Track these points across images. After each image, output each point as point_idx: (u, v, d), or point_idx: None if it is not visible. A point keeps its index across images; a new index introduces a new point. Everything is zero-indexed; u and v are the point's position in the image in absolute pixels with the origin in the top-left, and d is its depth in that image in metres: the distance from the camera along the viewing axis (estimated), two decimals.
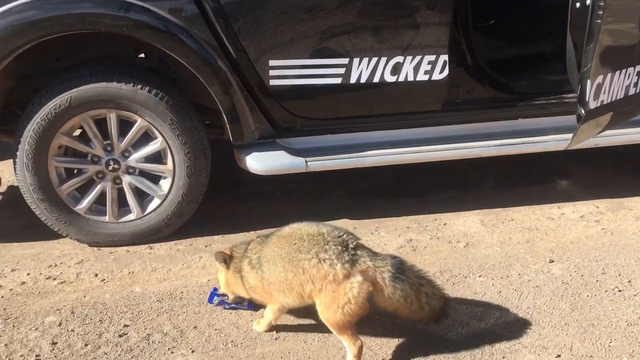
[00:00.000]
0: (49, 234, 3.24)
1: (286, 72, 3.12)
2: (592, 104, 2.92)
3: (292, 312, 2.58)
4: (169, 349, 2.47)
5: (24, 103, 3.08)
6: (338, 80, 3.17)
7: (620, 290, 2.80)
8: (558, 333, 2.53)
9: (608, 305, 2.71)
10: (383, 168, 3.73)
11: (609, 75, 2.94)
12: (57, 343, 2.51)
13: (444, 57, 3.20)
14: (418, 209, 3.56)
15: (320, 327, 2.39)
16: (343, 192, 3.84)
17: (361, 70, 3.16)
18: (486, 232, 3.33)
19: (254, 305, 2.65)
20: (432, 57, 3.20)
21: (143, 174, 3.18)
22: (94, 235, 3.19)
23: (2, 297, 2.81)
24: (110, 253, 3.17)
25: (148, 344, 2.50)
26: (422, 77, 3.22)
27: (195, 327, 2.59)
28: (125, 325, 2.61)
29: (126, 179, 3.16)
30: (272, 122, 3.21)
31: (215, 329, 2.58)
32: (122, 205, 3.20)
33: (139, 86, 3.00)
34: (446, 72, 3.23)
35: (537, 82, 3.68)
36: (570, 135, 3.11)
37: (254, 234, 2.96)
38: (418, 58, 3.19)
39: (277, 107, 3.19)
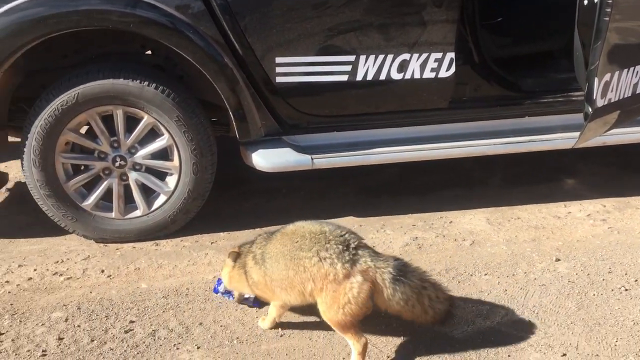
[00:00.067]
0: (56, 230, 3.26)
1: (292, 69, 3.12)
2: (600, 102, 2.90)
3: (297, 309, 2.59)
4: (174, 345, 2.48)
5: (31, 100, 3.10)
6: (344, 78, 3.17)
7: (626, 289, 2.79)
8: (564, 332, 2.52)
9: (614, 304, 2.70)
10: (389, 166, 3.73)
11: (617, 73, 2.92)
12: (63, 338, 2.52)
13: (451, 55, 3.19)
14: (424, 207, 3.56)
15: (325, 324, 2.39)
16: (349, 189, 3.84)
17: (367, 67, 3.16)
18: (492, 230, 3.32)
19: (259, 303, 2.66)
20: (439, 55, 3.19)
21: (149, 170, 3.19)
22: (100, 232, 3.21)
23: (9, 292, 2.83)
24: (117, 249, 3.18)
25: (154, 340, 2.51)
26: (428, 74, 3.21)
27: (200, 324, 2.60)
28: (131, 321, 2.62)
29: (132, 176, 3.17)
30: (278, 119, 3.22)
31: (221, 326, 2.58)
32: (128, 201, 3.21)
33: (146, 83, 3.01)
34: (453, 69, 3.22)
35: (545, 80, 3.67)
36: (577, 134, 3.11)
37: (259, 231, 2.96)
38: (425, 55, 3.18)
39: (284, 104, 3.19)
